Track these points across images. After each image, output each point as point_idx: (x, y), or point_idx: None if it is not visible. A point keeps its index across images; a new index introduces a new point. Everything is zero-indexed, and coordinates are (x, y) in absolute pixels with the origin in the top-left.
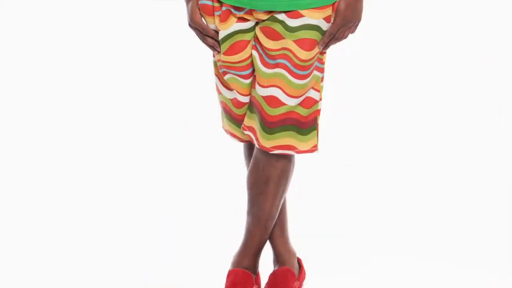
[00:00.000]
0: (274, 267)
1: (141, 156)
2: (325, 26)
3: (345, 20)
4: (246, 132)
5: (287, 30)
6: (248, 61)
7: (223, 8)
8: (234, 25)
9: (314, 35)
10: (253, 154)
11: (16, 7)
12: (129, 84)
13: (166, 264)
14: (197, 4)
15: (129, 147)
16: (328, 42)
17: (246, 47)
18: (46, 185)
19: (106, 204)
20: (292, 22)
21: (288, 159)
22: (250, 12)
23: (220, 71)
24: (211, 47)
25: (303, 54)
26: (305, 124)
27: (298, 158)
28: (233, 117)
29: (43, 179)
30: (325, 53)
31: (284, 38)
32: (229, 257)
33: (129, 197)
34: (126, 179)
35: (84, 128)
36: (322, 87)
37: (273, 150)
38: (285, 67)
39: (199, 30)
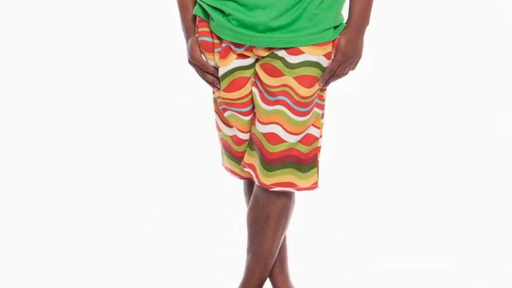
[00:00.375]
0: None
1: (141, 157)
2: (325, 62)
3: (345, 57)
4: (246, 169)
5: (287, 67)
6: (248, 98)
7: (223, 45)
8: (234, 62)
9: (314, 71)
10: (253, 191)
11: (16, 7)
12: (129, 85)
13: (166, 264)
14: (197, 40)
15: (129, 148)
16: (329, 79)
17: (246, 84)
18: (46, 185)
19: (106, 204)
20: (292, 59)
21: (288, 196)
22: (250, 48)
23: (220, 108)
24: (211, 83)
25: (303, 91)
26: (305, 161)
27: (298, 195)
28: (233, 154)
29: (43, 180)
30: (325, 90)
31: (284, 75)
32: (229, 257)
33: (129, 197)
34: (126, 179)
35: (84, 130)
36: (322, 124)
37: (273, 188)
38: (285, 104)
39: (199, 67)
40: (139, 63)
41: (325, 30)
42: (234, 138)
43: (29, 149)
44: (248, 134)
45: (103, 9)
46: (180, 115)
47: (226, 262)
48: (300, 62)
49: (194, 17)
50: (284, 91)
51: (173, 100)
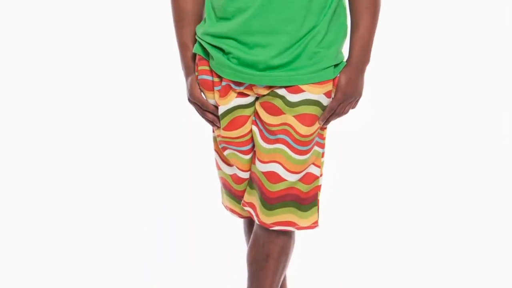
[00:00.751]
0: None
1: (141, 157)
2: (325, 101)
3: (346, 95)
4: (246, 208)
5: (287, 105)
6: (248, 137)
7: (223, 83)
8: (234, 100)
9: (314, 110)
10: (253, 230)
11: (16, 7)
12: (129, 85)
13: (166, 264)
14: (197, 79)
15: (129, 148)
16: (329, 118)
17: (246, 122)
18: (46, 186)
19: (107, 204)
20: (293, 97)
21: (288, 235)
22: (250, 87)
23: (220, 146)
24: (211, 122)
25: (303, 130)
26: (305, 200)
27: (298, 234)
28: (233, 193)
29: (43, 180)
30: (325, 128)
31: (284, 113)
32: (228, 258)
33: (129, 197)
34: (126, 179)
35: (84, 130)
36: (322, 162)
37: (273, 227)
38: (285, 143)
39: (198, 106)
40: (139, 65)
41: (325, 68)
42: (234, 177)
43: (28, 150)
44: (248, 173)
45: (103, 10)
46: (180, 116)
47: (225, 262)
48: (300, 101)
49: (194, 55)
50: (284, 129)
51: (173, 101)
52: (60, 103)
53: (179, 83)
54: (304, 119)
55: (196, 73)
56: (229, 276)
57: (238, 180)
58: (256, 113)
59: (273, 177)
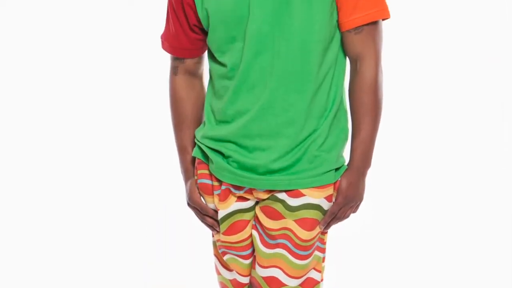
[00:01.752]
0: None
1: (141, 157)
2: (326, 205)
3: (346, 199)
4: None
5: (287, 210)
6: (248, 241)
7: (223, 187)
8: (233, 205)
9: (315, 214)
10: None
11: (16, 7)
12: (129, 86)
13: (166, 264)
14: (196, 183)
15: (129, 148)
16: (330, 222)
17: (246, 227)
18: (47, 186)
19: (107, 205)
20: (293, 202)
21: None
22: (250, 191)
23: (220, 251)
24: (211, 227)
25: (304, 234)
26: None
27: None
28: None
29: (44, 181)
30: (326, 233)
31: (285, 218)
32: None
33: (129, 198)
34: (126, 180)
35: (85, 132)
36: (323, 267)
37: None
38: (285, 247)
39: (198, 210)
40: (140, 65)
41: (326, 172)
42: (234, 282)
43: (28, 152)
44: (248, 277)
45: (102, 11)
46: None
47: None
48: (301, 205)
49: (193, 159)
50: (285, 234)
51: None
52: (61, 104)
53: None
54: (305, 224)
55: (196, 177)
56: None
57: (238, 285)
58: (256, 218)
59: (274, 282)
